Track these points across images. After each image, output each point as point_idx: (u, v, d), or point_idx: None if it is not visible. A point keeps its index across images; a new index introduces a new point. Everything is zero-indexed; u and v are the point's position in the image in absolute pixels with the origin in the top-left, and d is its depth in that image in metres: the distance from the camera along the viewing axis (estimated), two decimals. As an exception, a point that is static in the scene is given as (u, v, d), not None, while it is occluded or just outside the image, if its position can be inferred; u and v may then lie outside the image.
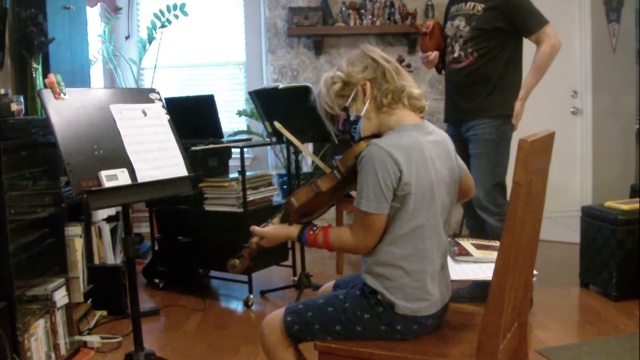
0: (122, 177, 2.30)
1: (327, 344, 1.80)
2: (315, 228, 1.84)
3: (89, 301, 3.36)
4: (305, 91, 3.54)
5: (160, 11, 5.29)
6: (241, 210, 3.71)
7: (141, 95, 2.63)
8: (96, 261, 3.67)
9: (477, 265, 2.36)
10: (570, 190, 5.89)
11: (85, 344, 3.11)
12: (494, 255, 2.05)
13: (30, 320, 2.68)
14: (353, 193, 1.79)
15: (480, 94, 3.33)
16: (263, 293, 3.96)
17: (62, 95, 2.27)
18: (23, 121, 2.83)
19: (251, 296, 3.76)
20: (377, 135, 1.81)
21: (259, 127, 5.27)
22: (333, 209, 4.11)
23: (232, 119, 5.64)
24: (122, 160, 2.34)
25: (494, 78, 3.31)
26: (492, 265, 1.59)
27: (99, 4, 5.32)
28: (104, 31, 5.51)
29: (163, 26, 5.34)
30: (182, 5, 5.27)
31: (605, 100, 5.81)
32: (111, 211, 3.98)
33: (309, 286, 3.76)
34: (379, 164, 1.66)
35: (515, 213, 1.52)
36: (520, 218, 1.54)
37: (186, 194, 2.63)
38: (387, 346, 1.75)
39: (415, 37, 5.53)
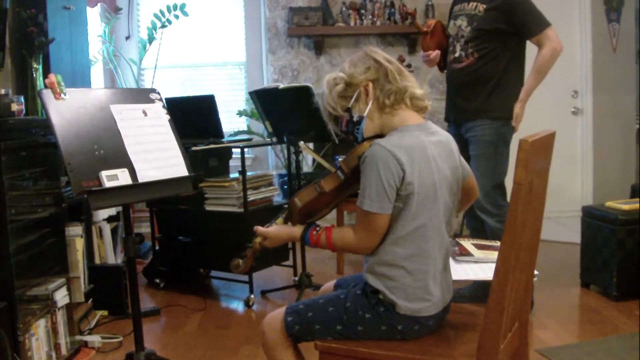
0: (122, 177, 2.30)
1: (327, 344, 1.80)
2: (318, 228, 1.84)
3: (89, 301, 3.36)
4: (305, 91, 3.53)
5: (161, 11, 5.29)
6: (242, 210, 3.71)
7: (141, 95, 2.63)
8: (97, 261, 3.67)
9: (477, 265, 2.36)
10: (570, 190, 5.89)
11: (86, 343, 3.11)
12: (494, 255, 2.05)
13: (31, 320, 2.68)
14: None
15: (480, 94, 3.32)
16: (264, 293, 3.96)
17: (62, 95, 2.27)
18: (23, 121, 2.83)
19: (252, 296, 3.76)
20: (380, 135, 1.81)
21: (259, 127, 5.27)
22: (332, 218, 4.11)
23: (233, 119, 5.64)
24: (122, 160, 2.34)
25: (494, 79, 3.30)
26: (493, 265, 1.59)
27: (99, 4, 5.32)
28: (104, 31, 5.51)
29: (163, 26, 5.35)
30: (183, 6, 5.28)
31: (605, 100, 5.81)
32: (112, 211, 3.98)
33: (310, 286, 3.75)
34: (382, 164, 1.66)
35: (516, 213, 1.52)
36: (520, 218, 1.54)
37: (187, 194, 2.63)
38: (387, 346, 1.75)
39: (415, 37, 5.53)
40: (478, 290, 3.44)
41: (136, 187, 2.35)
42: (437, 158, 1.75)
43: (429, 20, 3.54)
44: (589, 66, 5.78)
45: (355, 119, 1.83)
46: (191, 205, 3.95)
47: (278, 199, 4.23)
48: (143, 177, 2.37)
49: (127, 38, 5.84)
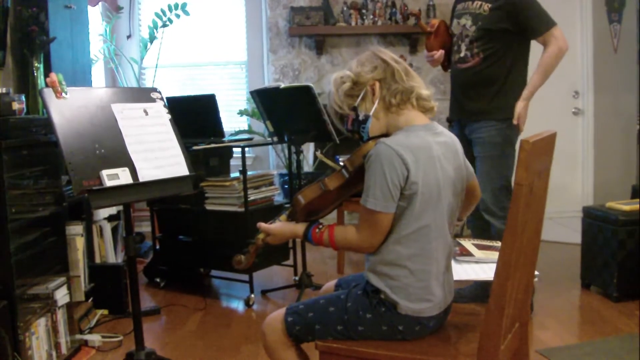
0: (123, 176, 2.30)
1: (328, 344, 1.80)
2: (321, 226, 1.84)
3: (90, 300, 3.36)
4: (306, 91, 3.53)
5: (162, 10, 5.29)
6: (242, 209, 3.71)
7: (142, 94, 2.63)
8: (97, 260, 3.67)
9: (478, 266, 2.36)
10: (571, 190, 5.89)
11: (86, 342, 3.11)
12: (495, 255, 2.05)
13: (31, 319, 2.68)
14: None
15: (486, 95, 3.30)
16: (264, 292, 3.96)
17: (63, 94, 2.28)
18: (24, 120, 2.83)
19: (252, 296, 3.76)
20: (386, 135, 1.81)
21: (260, 126, 5.27)
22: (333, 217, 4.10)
23: (234, 118, 5.64)
24: (123, 159, 2.34)
25: (500, 80, 3.27)
26: (494, 266, 1.59)
27: (100, 3, 5.32)
28: (106, 30, 5.51)
29: (164, 25, 5.35)
30: (184, 5, 5.28)
31: (606, 100, 5.81)
32: (112, 210, 3.99)
33: (310, 286, 3.76)
34: (386, 163, 1.66)
35: (517, 213, 1.52)
36: (521, 219, 1.54)
37: (187, 193, 2.63)
38: (388, 346, 1.75)
39: (417, 37, 5.53)
40: (478, 291, 3.44)
41: (137, 186, 2.35)
42: (442, 158, 1.75)
43: (433, 20, 3.51)
44: (590, 67, 5.78)
45: (361, 117, 1.83)
46: (192, 205, 3.95)
47: (279, 198, 4.23)
48: (144, 176, 2.37)
49: (128, 37, 5.84)
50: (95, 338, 3.14)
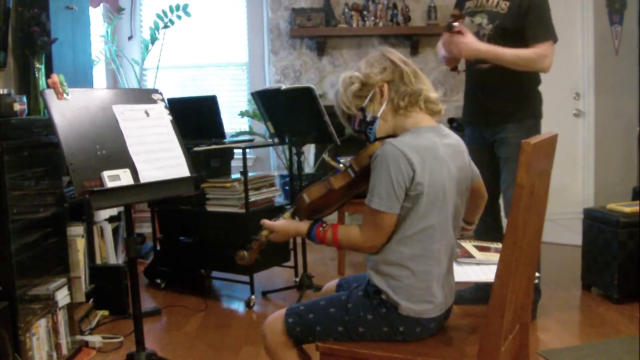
0: (124, 178, 2.31)
1: (328, 345, 1.80)
2: (324, 225, 1.84)
3: (90, 301, 3.36)
4: (307, 92, 3.53)
5: (163, 12, 5.30)
6: (243, 211, 3.71)
7: (144, 95, 2.63)
8: (98, 261, 3.67)
9: (479, 267, 2.36)
10: (572, 192, 5.88)
11: (86, 343, 3.11)
12: (496, 257, 2.04)
13: (32, 319, 2.68)
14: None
15: (510, 96, 3.19)
16: (265, 294, 3.96)
17: (64, 95, 2.28)
18: (26, 121, 2.83)
19: (253, 297, 3.76)
20: (393, 136, 1.81)
21: (261, 128, 5.27)
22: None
23: (235, 119, 5.64)
24: (124, 160, 2.34)
25: (523, 80, 3.18)
26: (494, 267, 1.59)
27: (101, 4, 5.33)
28: (107, 31, 5.52)
29: (166, 27, 5.36)
30: (185, 6, 5.28)
31: (607, 102, 5.80)
32: (113, 211, 3.98)
33: (311, 287, 3.75)
34: (392, 163, 1.66)
35: (518, 215, 1.52)
36: (522, 220, 1.54)
37: (188, 195, 2.63)
38: (388, 347, 1.75)
39: (418, 38, 5.53)
40: (479, 292, 3.43)
41: (138, 188, 2.36)
42: (448, 160, 1.75)
43: (455, 11, 3.19)
44: (591, 68, 5.77)
45: (368, 119, 1.83)
46: (193, 206, 3.95)
47: (279, 199, 4.23)
48: (145, 177, 2.37)
49: (130, 38, 5.85)
50: (95, 339, 3.14)
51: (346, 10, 5.53)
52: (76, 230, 3.19)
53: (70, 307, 3.02)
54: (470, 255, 2.47)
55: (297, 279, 3.97)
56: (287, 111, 3.69)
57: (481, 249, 2.58)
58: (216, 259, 3.96)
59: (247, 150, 3.93)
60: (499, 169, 3.28)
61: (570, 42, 5.59)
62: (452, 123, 5.20)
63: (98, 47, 5.43)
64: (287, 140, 3.79)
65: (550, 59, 3.06)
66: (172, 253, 4.20)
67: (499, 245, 2.40)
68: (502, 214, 3.43)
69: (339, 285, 2.09)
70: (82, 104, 2.33)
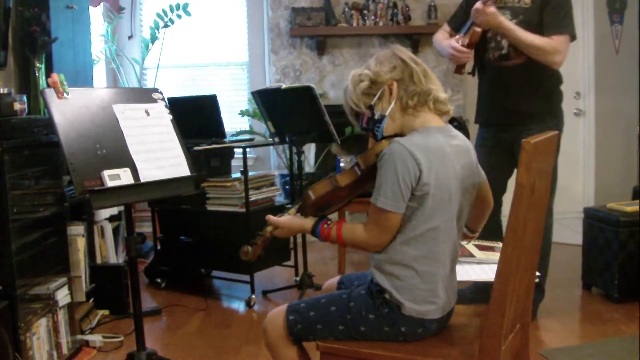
0: (124, 177, 2.30)
1: (329, 345, 1.80)
2: (329, 222, 1.84)
3: (91, 300, 3.36)
4: (308, 92, 3.53)
5: (163, 11, 5.29)
6: (243, 210, 3.71)
7: (144, 95, 2.63)
8: (98, 260, 3.67)
9: (479, 267, 2.36)
10: (572, 191, 5.88)
11: (87, 343, 3.11)
12: (496, 256, 2.04)
13: (33, 319, 2.68)
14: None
15: (534, 95, 3.13)
16: (265, 293, 3.96)
17: (65, 94, 2.28)
18: (26, 120, 2.83)
19: (253, 296, 3.76)
20: (400, 135, 1.80)
21: (261, 127, 5.27)
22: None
23: (235, 119, 5.64)
24: (124, 159, 2.34)
25: (546, 78, 3.13)
26: (495, 267, 1.59)
27: (102, 4, 5.33)
28: (107, 31, 5.51)
29: (166, 26, 5.35)
30: (185, 5, 5.28)
31: (608, 101, 5.80)
32: (113, 210, 3.99)
33: (311, 286, 3.75)
34: (399, 162, 1.66)
35: (518, 214, 1.52)
36: (522, 219, 1.54)
37: (188, 194, 2.63)
38: (389, 347, 1.75)
39: (418, 37, 5.52)
40: (479, 291, 3.43)
41: (138, 187, 2.35)
42: (455, 161, 1.74)
43: (473, 31, 3.07)
44: (592, 68, 5.77)
45: (376, 117, 1.82)
46: (193, 205, 3.95)
47: (280, 199, 4.23)
48: (145, 176, 2.37)
49: (130, 37, 5.84)
50: (96, 338, 3.14)
51: (346, 9, 5.52)
52: (76, 230, 3.18)
53: (71, 307, 3.02)
54: (470, 255, 2.47)
55: (298, 278, 3.97)
56: (287, 110, 3.69)
57: (482, 248, 2.58)
58: (216, 259, 3.96)
59: (248, 149, 3.94)
60: (513, 170, 3.20)
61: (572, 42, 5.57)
62: (453, 122, 5.18)
63: (98, 47, 5.42)
64: (287, 140, 3.79)
65: (563, 55, 3.00)
66: (173, 252, 4.20)
67: (500, 245, 2.40)
68: (502, 214, 3.43)
69: (340, 283, 2.08)
70: (83, 103, 2.33)
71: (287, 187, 4.84)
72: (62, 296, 2.90)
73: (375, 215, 1.72)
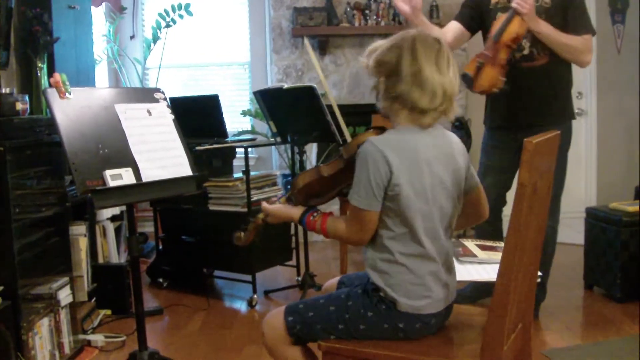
0: (126, 177, 2.31)
1: (330, 344, 1.80)
2: (315, 214, 1.87)
3: (93, 300, 3.36)
4: (309, 91, 3.53)
5: (165, 11, 5.30)
6: (245, 210, 3.71)
7: (146, 94, 2.63)
8: (100, 260, 3.67)
9: (481, 266, 2.36)
10: (574, 191, 5.86)
11: (89, 342, 3.12)
12: (498, 256, 2.04)
13: (35, 318, 2.69)
14: None
15: (557, 97, 3.10)
16: (267, 293, 3.96)
17: (67, 94, 2.28)
18: (28, 120, 2.83)
19: (255, 296, 3.76)
20: (383, 129, 1.80)
21: (263, 127, 5.27)
22: (337, 208, 4.09)
23: (237, 118, 5.64)
24: (126, 159, 2.35)
25: (566, 79, 3.12)
26: (496, 267, 1.59)
27: (104, 4, 5.33)
28: (109, 31, 5.52)
29: (168, 26, 5.35)
30: (187, 5, 5.28)
31: (610, 101, 5.79)
32: (115, 210, 3.99)
33: (313, 286, 3.76)
34: (371, 162, 1.68)
35: (520, 214, 1.52)
36: (524, 219, 1.54)
37: (190, 194, 2.63)
38: (390, 346, 1.75)
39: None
40: (478, 291, 3.43)
41: (140, 187, 2.36)
42: (433, 161, 1.73)
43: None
44: (594, 67, 5.76)
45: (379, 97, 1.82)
46: (195, 205, 3.96)
47: (281, 199, 4.22)
48: (147, 176, 2.37)
49: (132, 37, 5.85)
50: (98, 338, 3.14)
51: (348, 9, 5.52)
52: (78, 230, 3.19)
53: (73, 306, 3.02)
54: (472, 255, 2.47)
55: (300, 278, 3.97)
56: (289, 110, 3.69)
57: (483, 248, 2.58)
58: (218, 258, 3.96)
59: (249, 149, 3.94)
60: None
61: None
62: (454, 122, 5.19)
63: (100, 47, 5.43)
64: (289, 140, 3.79)
65: (592, 54, 3.02)
66: (175, 252, 4.21)
67: (501, 245, 2.40)
68: (504, 213, 3.42)
69: (340, 283, 2.09)
70: (85, 103, 2.33)
71: (289, 187, 4.85)
72: (64, 296, 2.91)
73: (353, 212, 1.75)
